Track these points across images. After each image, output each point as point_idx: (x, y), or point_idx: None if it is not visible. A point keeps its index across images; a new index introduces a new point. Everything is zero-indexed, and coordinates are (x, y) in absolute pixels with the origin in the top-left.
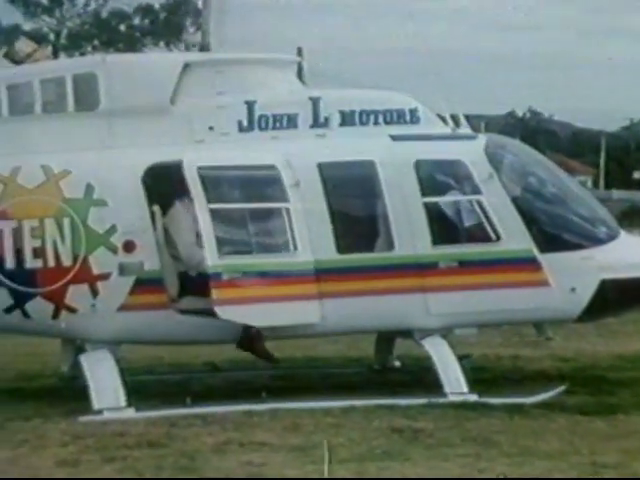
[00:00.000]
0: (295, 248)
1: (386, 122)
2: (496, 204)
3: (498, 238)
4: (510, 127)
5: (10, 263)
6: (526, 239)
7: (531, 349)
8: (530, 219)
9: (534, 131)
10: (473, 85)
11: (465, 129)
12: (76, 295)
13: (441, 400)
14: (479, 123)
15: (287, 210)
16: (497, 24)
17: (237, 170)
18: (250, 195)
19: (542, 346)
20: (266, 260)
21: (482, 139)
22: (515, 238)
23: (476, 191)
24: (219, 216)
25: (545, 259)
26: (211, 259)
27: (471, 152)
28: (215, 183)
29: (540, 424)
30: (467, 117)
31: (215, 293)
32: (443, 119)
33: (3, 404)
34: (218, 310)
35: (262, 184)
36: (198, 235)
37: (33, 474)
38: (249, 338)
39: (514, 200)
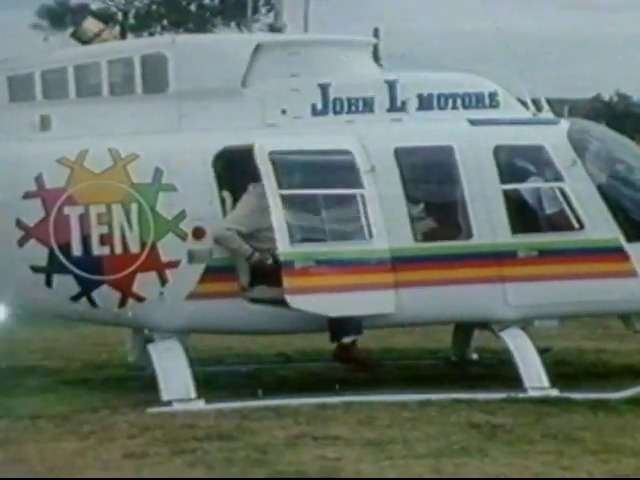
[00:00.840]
0: (370, 236)
1: (465, 106)
2: (580, 191)
3: (581, 227)
4: (595, 111)
5: (76, 250)
6: (612, 228)
7: (617, 342)
8: (616, 207)
9: (621, 115)
10: (556, 68)
11: (547, 114)
12: (144, 283)
13: (521, 395)
14: (562, 107)
15: (362, 196)
16: (582, 3)
17: (311, 155)
18: (324, 181)
19: (629, 339)
20: (340, 248)
21: (565, 124)
22: (600, 227)
23: (558, 178)
24: (291, 202)
25: (633, 249)
26: (282, 246)
27: (553, 137)
28: (287, 168)
29: (626, 420)
30: (549, 101)
31: (287, 282)
32: (524, 103)
33: (69, 395)
34: (289, 299)
35: (336, 170)
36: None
37: (101, 466)
38: (344, 348)
39: (599, 187)
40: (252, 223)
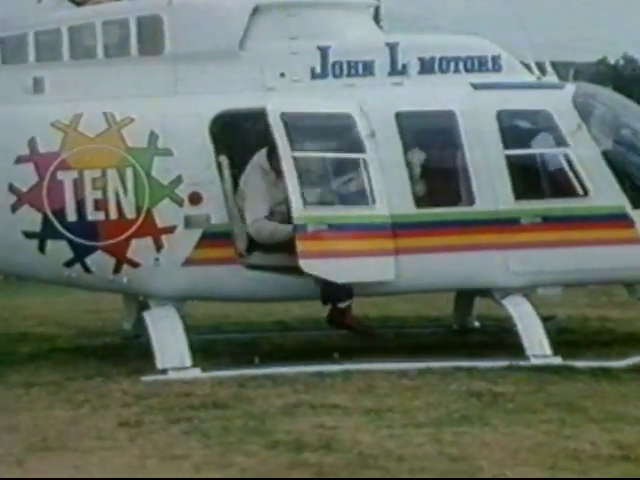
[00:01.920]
0: (373, 201)
1: (467, 70)
2: (584, 157)
3: (586, 193)
4: (602, 75)
5: (70, 215)
6: (617, 194)
7: (621, 310)
8: (622, 173)
9: (629, 80)
10: (561, 30)
11: (552, 77)
12: (139, 249)
13: (523, 363)
14: (567, 71)
15: (364, 161)
16: None
17: (316, 118)
18: (327, 145)
19: (633, 307)
20: (347, 213)
21: (570, 88)
22: (605, 193)
23: (563, 143)
24: (301, 165)
25: (638, 215)
26: (296, 210)
27: (558, 102)
28: (297, 131)
29: (630, 389)
30: (554, 65)
31: (300, 245)
32: (528, 67)
33: (63, 363)
34: (302, 263)
35: (338, 133)
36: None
37: (95, 435)
38: (339, 312)
39: (605, 153)
40: (268, 202)
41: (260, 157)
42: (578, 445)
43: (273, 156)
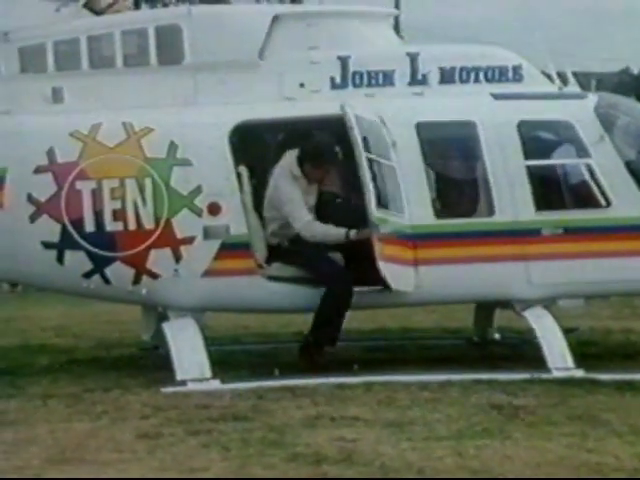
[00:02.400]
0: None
1: (488, 80)
2: (607, 168)
3: (608, 204)
4: (624, 85)
5: (89, 225)
6: None
7: None
8: None
9: None
10: (583, 40)
11: (573, 87)
12: (158, 260)
13: (544, 375)
14: (589, 81)
15: (393, 169)
16: None
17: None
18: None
19: None
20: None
21: (592, 98)
22: (628, 204)
23: (585, 154)
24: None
25: None
26: (374, 210)
27: (580, 112)
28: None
29: None
30: (576, 75)
31: (377, 247)
32: (549, 77)
33: (81, 374)
34: (381, 265)
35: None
36: None
37: (113, 447)
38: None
39: (627, 164)
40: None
41: (290, 163)
42: (601, 459)
43: (304, 162)
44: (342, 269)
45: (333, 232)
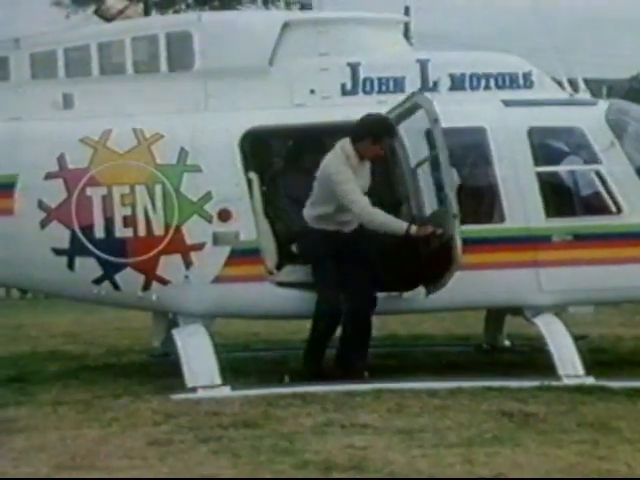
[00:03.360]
0: None
1: (498, 86)
2: (617, 174)
3: (619, 211)
4: (635, 92)
5: (99, 232)
6: None
7: None
8: None
9: None
10: (593, 47)
11: (584, 94)
12: (168, 266)
13: (555, 383)
14: (600, 88)
15: None
16: None
17: None
18: None
19: None
20: None
21: (603, 105)
22: (639, 211)
23: (595, 160)
24: None
25: None
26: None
27: (590, 119)
28: None
29: None
30: (586, 81)
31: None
32: (560, 83)
33: (92, 381)
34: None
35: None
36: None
37: (124, 454)
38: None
39: (638, 171)
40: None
41: (342, 146)
42: (612, 466)
43: (363, 138)
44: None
45: (393, 223)
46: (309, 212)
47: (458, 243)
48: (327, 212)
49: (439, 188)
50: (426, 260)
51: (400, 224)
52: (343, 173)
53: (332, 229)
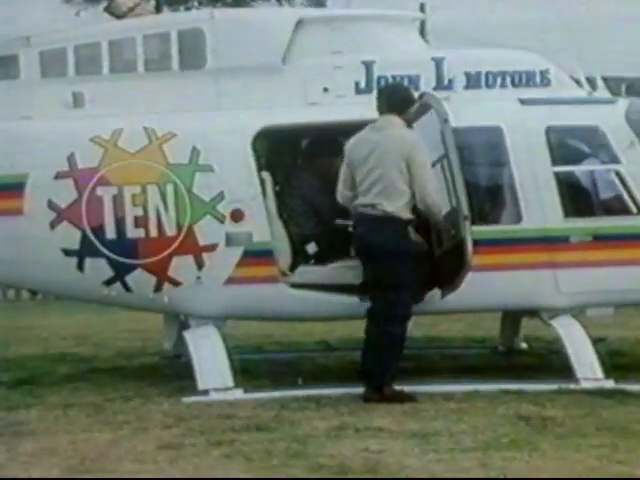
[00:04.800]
0: None
1: (514, 85)
2: (637, 174)
3: (639, 211)
4: None
5: (110, 232)
6: None
7: None
8: None
9: None
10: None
11: (603, 92)
12: (180, 267)
13: (573, 386)
14: (619, 86)
15: None
16: None
17: None
18: None
19: None
20: None
21: (623, 103)
22: None
23: (614, 160)
24: None
25: None
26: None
27: (609, 118)
28: None
29: None
30: (605, 79)
31: None
32: (578, 81)
33: (102, 384)
34: None
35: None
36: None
37: (135, 458)
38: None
39: None
40: None
41: (395, 119)
42: (632, 470)
43: (409, 107)
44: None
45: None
46: (384, 199)
47: (469, 245)
48: (409, 198)
49: (450, 189)
50: (440, 261)
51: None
52: (426, 153)
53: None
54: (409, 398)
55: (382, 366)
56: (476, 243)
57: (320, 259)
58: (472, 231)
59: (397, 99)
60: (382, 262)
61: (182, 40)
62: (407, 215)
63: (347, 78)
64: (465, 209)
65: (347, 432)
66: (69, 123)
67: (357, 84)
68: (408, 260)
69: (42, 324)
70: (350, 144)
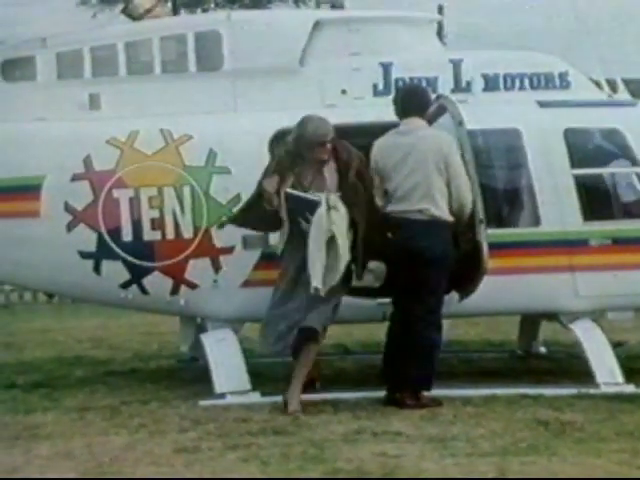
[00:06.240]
0: None
1: (533, 87)
2: None
3: None
4: None
5: (126, 235)
6: None
7: None
8: None
9: None
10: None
11: (623, 95)
12: (197, 270)
13: (592, 391)
14: None
15: None
16: None
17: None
18: None
19: None
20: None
21: None
22: None
23: (635, 163)
24: None
25: None
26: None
27: (629, 120)
28: None
29: None
30: (626, 82)
31: None
32: (597, 84)
33: (118, 387)
34: None
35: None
36: None
37: (151, 461)
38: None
39: None
40: None
41: (418, 121)
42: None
43: (426, 115)
44: None
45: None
46: (429, 203)
47: (485, 249)
48: (447, 199)
49: None
50: (457, 264)
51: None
52: (458, 152)
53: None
54: (439, 403)
55: (423, 372)
56: (495, 246)
57: None
58: (488, 235)
59: (418, 101)
60: (427, 267)
61: (199, 42)
62: (450, 217)
63: (365, 80)
64: (481, 212)
65: (364, 436)
66: (85, 125)
67: (375, 86)
68: (449, 265)
69: (58, 327)
70: (377, 152)
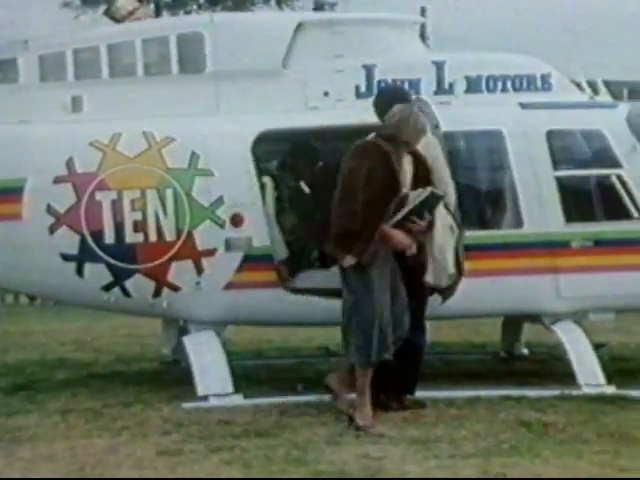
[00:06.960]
0: None
1: (515, 89)
2: (639, 179)
3: None
4: None
5: (109, 237)
6: None
7: None
8: None
9: None
10: (614, 48)
11: (604, 97)
12: (179, 272)
13: (574, 392)
14: (621, 90)
15: None
16: None
17: None
18: None
19: None
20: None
21: (624, 108)
22: None
23: (616, 164)
24: None
25: None
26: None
27: (611, 122)
28: None
29: None
30: (607, 83)
31: None
32: (579, 85)
33: (101, 389)
34: None
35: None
36: None
37: (134, 464)
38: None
39: None
40: None
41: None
42: (634, 477)
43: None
44: None
45: None
46: None
47: (461, 251)
48: None
49: None
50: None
51: None
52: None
53: None
54: (422, 405)
55: (409, 376)
56: (477, 248)
57: (322, 264)
58: (465, 237)
59: (399, 102)
60: (413, 270)
61: (181, 44)
62: None
63: (347, 82)
64: (457, 216)
65: (347, 438)
66: (68, 127)
67: (357, 88)
68: None
69: (41, 329)
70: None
